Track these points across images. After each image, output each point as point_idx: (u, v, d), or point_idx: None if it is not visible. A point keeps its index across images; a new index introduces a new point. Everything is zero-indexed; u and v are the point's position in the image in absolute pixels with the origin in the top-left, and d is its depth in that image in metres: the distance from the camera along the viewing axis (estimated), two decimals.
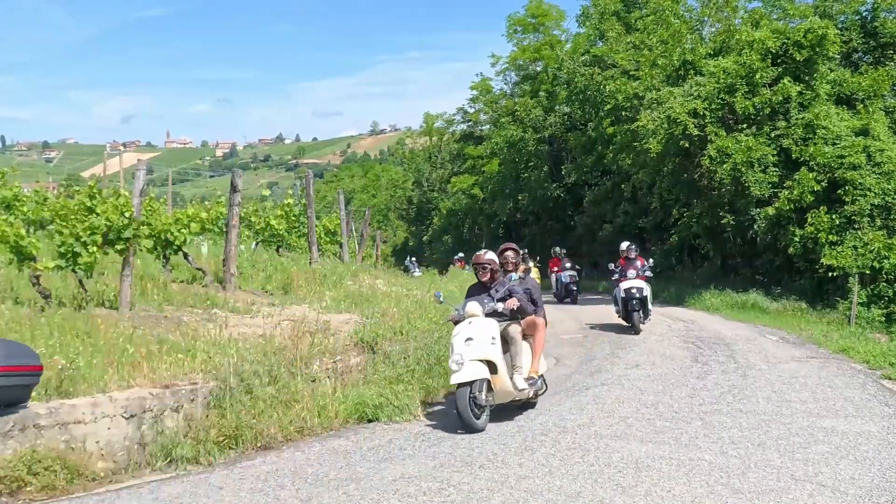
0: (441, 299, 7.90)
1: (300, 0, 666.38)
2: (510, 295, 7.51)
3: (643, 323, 14.00)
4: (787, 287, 19.84)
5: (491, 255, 7.83)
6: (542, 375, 7.96)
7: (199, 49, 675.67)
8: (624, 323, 14.20)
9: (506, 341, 7.38)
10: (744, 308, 18.65)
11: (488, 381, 6.86)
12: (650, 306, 14.45)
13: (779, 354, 11.59)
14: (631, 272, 14.13)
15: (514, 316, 7.59)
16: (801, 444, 6.32)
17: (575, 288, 21.99)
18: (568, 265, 22.18)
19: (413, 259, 34.60)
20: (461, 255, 30.91)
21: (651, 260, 15.27)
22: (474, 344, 6.89)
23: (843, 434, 6.68)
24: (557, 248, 23.85)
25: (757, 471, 5.57)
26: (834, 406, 7.88)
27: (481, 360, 6.84)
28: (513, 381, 7.17)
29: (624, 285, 13.99)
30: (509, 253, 8.18)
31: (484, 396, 6.80)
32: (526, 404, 7.81)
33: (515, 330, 7.49)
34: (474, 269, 7.86)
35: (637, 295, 13.80)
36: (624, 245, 14.91)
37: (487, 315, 7.34)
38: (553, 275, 23.02)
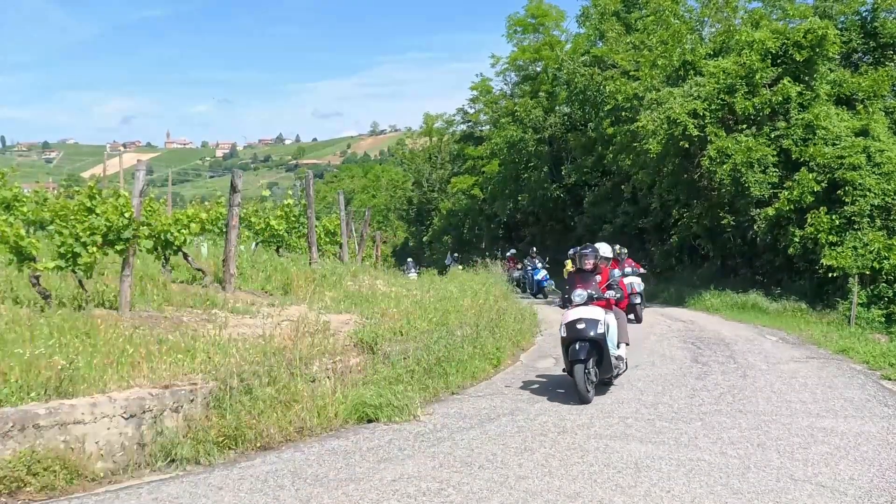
0: None
1: (300, 1, 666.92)
2: None
3: (602, 383, 8.55)
4: (786, 287, 19.85)
5: None
6: None
7: (199, 49, 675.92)
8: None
9: None
10: (744, 308, 18.68)
11: None
12: (617, 350, 8.70)
13: (778, 355, 11.60)
14: (579, 293, 8.34)
15: None
16: (801, 445, 6.33)
17: (639, 301, 15.71)
18: (629, 269, 15.93)
19: (456, 255, 33.21)
20: (513, 251, 30.37)
21: (627, 269, 8.68)
22: None
23: (843, 434, 6.69)
24: (617, 247, 16.04)
25: (756, 471, 5.58)
26: (833, 406, 7.88)
27: None
28: None
29: (567, 317, 8.36)
30: None
31: None
32: None
33: None
34: None
35: (585, 333, 8.06)
36: (587, 249, 8.89)
37: None
38: None
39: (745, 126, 20.75)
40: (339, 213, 17.27)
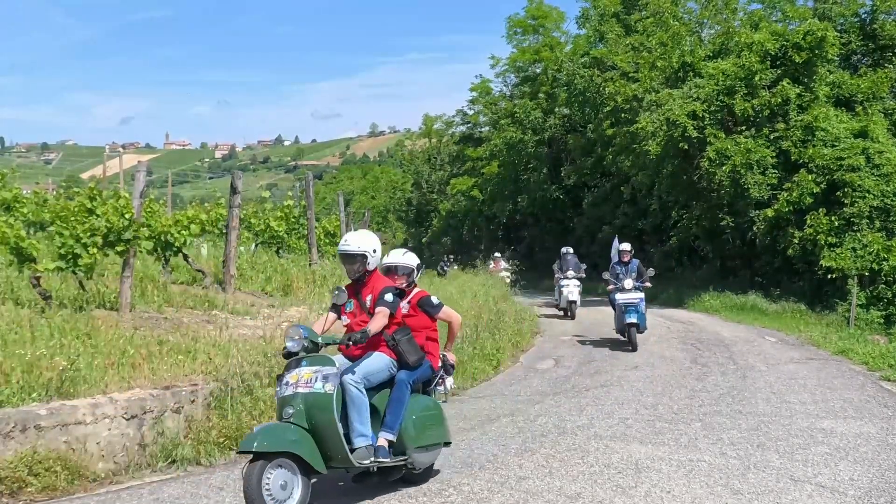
0: None
1: (300, 2, 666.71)
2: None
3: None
4: (786, 289, 19.85)
5: None
6: None
7: (199, 51, 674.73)
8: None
9: None
10: (743, 310, 18.67)
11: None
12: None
13: (778, 356, 11.61)
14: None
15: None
16: (801, 446, 6.34)
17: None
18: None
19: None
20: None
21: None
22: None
23: (843, 435, 6.70)
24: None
25: (756, 472, 5.59)
26: (833, 407, 7.89)
27: None
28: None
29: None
30: None
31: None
32: None
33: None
34: None
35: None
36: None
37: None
38: None
39: (744, 127, 20.77)
40: (339, 214, 17.26)
